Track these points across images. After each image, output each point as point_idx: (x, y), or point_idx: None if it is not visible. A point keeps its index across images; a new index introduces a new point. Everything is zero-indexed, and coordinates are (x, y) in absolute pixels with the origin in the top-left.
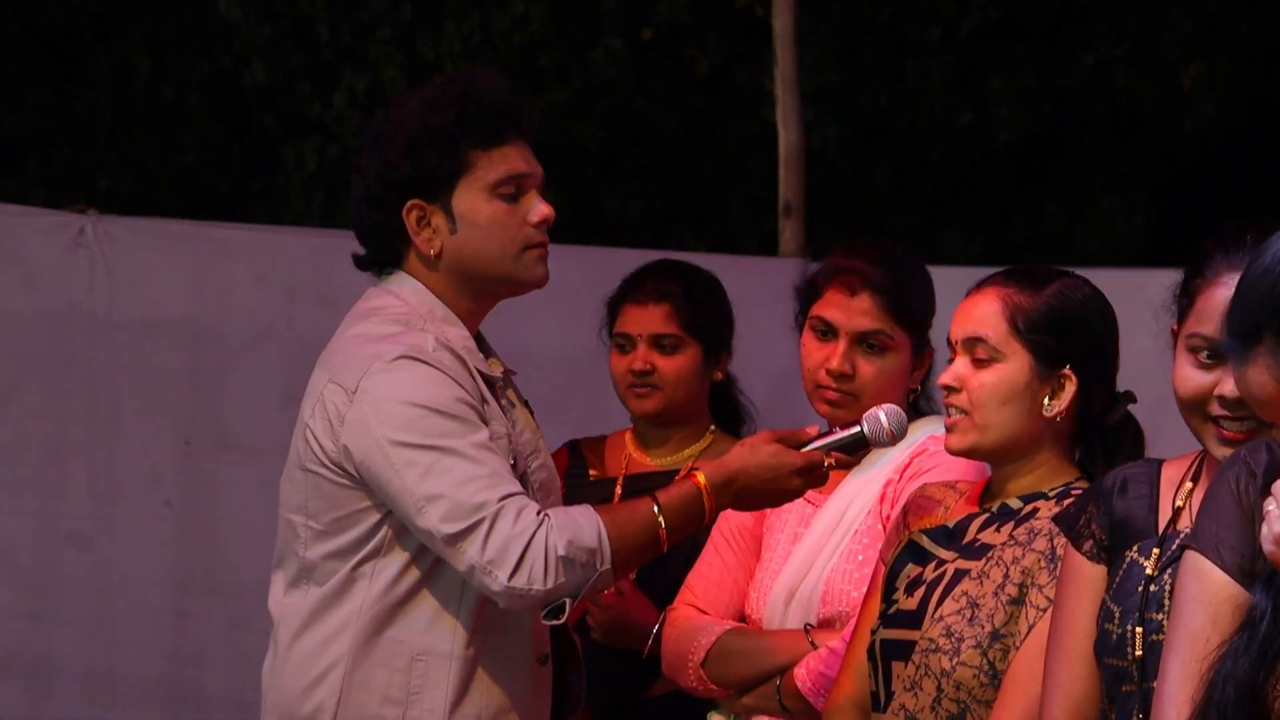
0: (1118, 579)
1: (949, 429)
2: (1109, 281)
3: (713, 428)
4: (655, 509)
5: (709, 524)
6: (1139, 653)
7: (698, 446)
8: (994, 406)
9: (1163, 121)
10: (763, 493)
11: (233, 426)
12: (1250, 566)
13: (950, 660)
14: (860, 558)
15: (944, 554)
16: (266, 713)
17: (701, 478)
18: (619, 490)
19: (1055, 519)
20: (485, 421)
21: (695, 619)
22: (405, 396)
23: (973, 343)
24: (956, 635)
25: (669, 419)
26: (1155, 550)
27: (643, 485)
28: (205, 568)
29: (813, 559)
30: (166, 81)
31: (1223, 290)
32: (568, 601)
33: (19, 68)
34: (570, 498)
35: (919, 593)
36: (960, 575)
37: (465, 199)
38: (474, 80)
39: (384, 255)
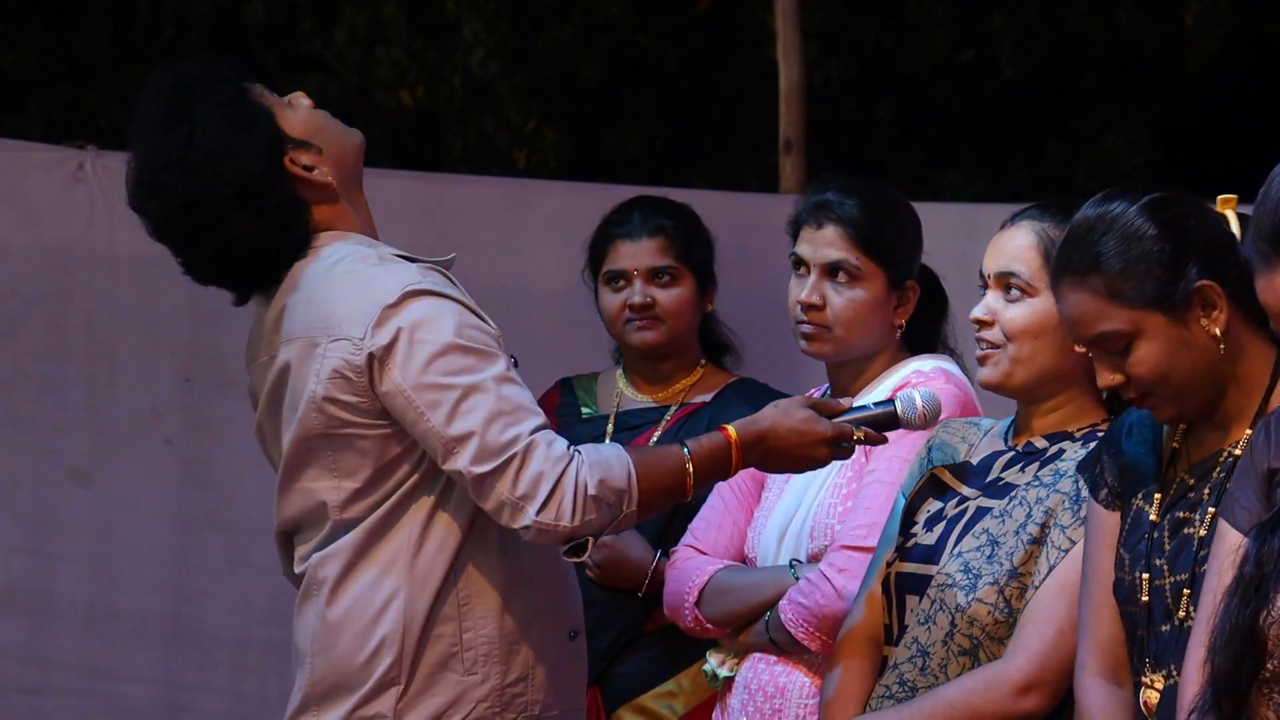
0: (1127, 526)
1: (981, 362)
2: None
3: (703, 361)
4: (686, 457)
5: (730, 476)
6: (1145, 598)
7: (688, 380)
8: (1026, 341)
9: (1164, 58)
10: (788, 455)
11: (233, 363)
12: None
13: (966, 596)
14: (844, 492)
15: (966, 491)
16: (312, 665)
17: (733, 432)
18: (610, 428)
19: (1078, 467)
20: (494, 334)
21: (692, 558)
22: (418, 336)
23: (1005, 276)
24: (974, 572)
25: (667, 351)
26: (1157, 496)
27: (635, 421)
28: (205, 505)
29: (802, 496)
30: (166, 19)
31: None
32: (591, 540)
33: (19, 6)
34: (563, 435)
35: (938, 528)
36: (982, 513)
37: (289, 120)
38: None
39: (292, 233)
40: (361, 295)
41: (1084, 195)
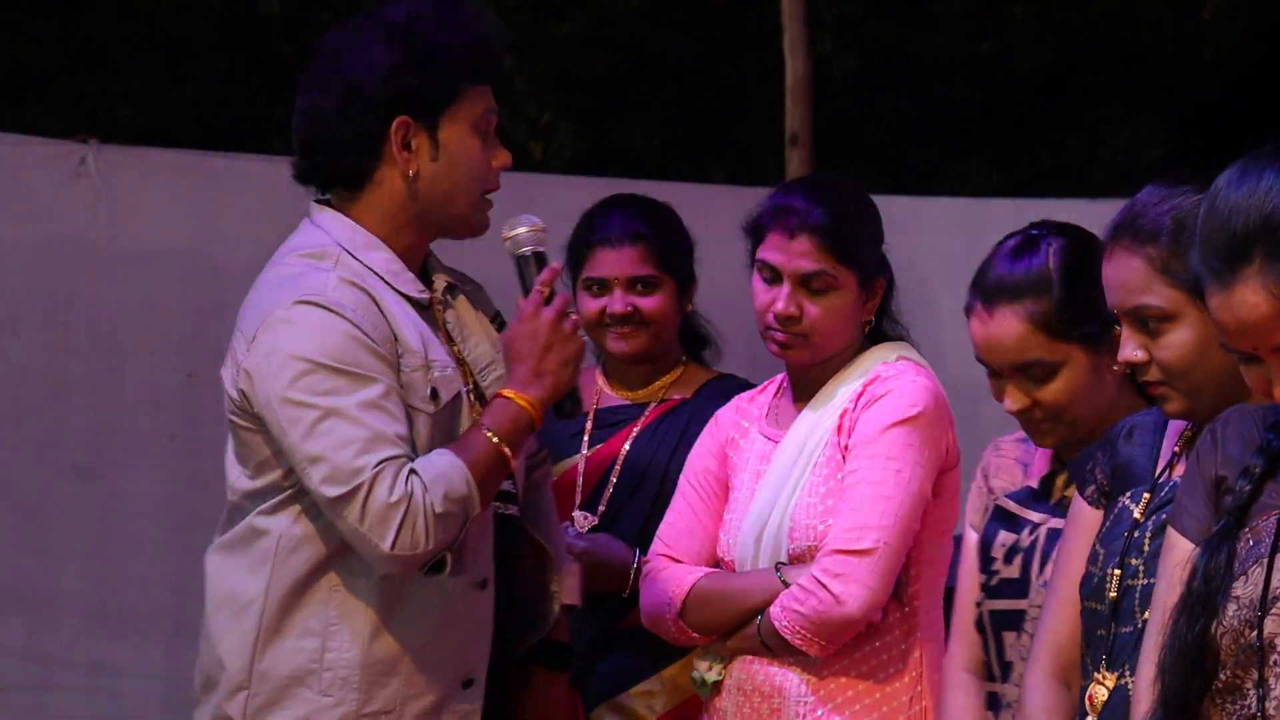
0: (1108, 523)
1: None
2: None
3: (683, 357)
4: (490, 434)
5: (539, 426)
6: (1113, 594)
7: (668, 378)
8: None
9: (1182, 51)
10: (545, 349)
11: None
12: (1209, 531)
13: None
14: (823, 490)
15: (1034, 516)
16: (201, 654)
17: (505, 390)
18: (589, 424)
19: (1069, 464)
20: (391, 363)
21: (668, 568)
22: (295, 349)
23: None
24: None
25: (647, 356)
26: (1146, 495)
27: (613, 419)
28: (208, 500)
29: (776, 496)
30: (183, 12)
31: None
32: (448, 555)
33: None
34: (541, 434)
35: (1018, 560)
36: (1054, 535)
37: (452, 129)
38: (475, 9)
39: (344, 169)
40: (270, 293)
41: (1100, 188)
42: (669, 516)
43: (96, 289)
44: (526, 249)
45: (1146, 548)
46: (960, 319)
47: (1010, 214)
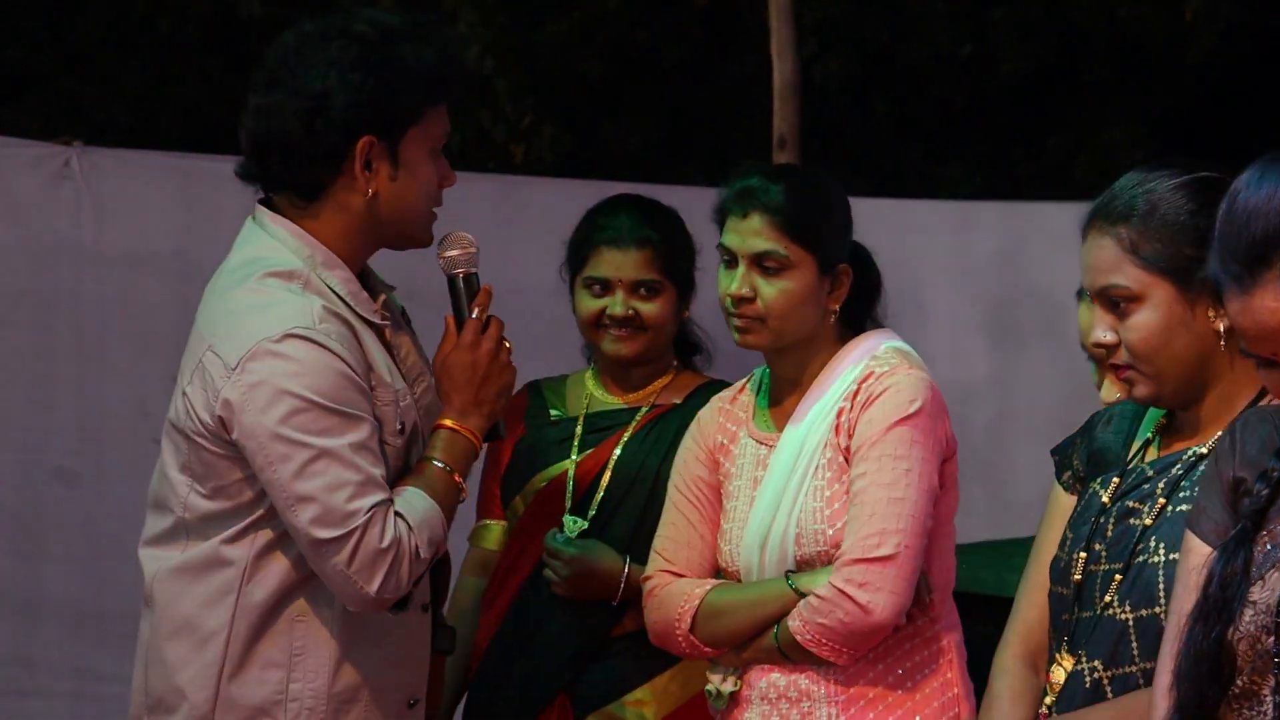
0: (1079, 508)
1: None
2: None
3: (675, 362)
4: (444, 469)
5: (477, 454)
6: (1077, 578)
7: (660, 382)
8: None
9: (1165, 53)
10: (477, 382)
11: None
12: (1226, 535)
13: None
14: (828, 493)
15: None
16: (145, 674)
17: (444, 419)
18: (579, 429)
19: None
20: (372, 388)
21: (672, 584)
22: (288, 385)
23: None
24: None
25: (643, 359)
26: (1115, 480)
27: (604, 423)
28: None
29: (777, 502)
30: (163, 14)
31: None
32: (414, 591)
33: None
34: (532, 438)
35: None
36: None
37: (412, 150)
38: (444, 29)
39: (298, 179)
40: (250, 319)
41: (1084, 190)
42: (665, 530)
43: (81, 291)
44: (459, 270)
45: (1110, 533)
46: (948, 319)
47: (995, 216)
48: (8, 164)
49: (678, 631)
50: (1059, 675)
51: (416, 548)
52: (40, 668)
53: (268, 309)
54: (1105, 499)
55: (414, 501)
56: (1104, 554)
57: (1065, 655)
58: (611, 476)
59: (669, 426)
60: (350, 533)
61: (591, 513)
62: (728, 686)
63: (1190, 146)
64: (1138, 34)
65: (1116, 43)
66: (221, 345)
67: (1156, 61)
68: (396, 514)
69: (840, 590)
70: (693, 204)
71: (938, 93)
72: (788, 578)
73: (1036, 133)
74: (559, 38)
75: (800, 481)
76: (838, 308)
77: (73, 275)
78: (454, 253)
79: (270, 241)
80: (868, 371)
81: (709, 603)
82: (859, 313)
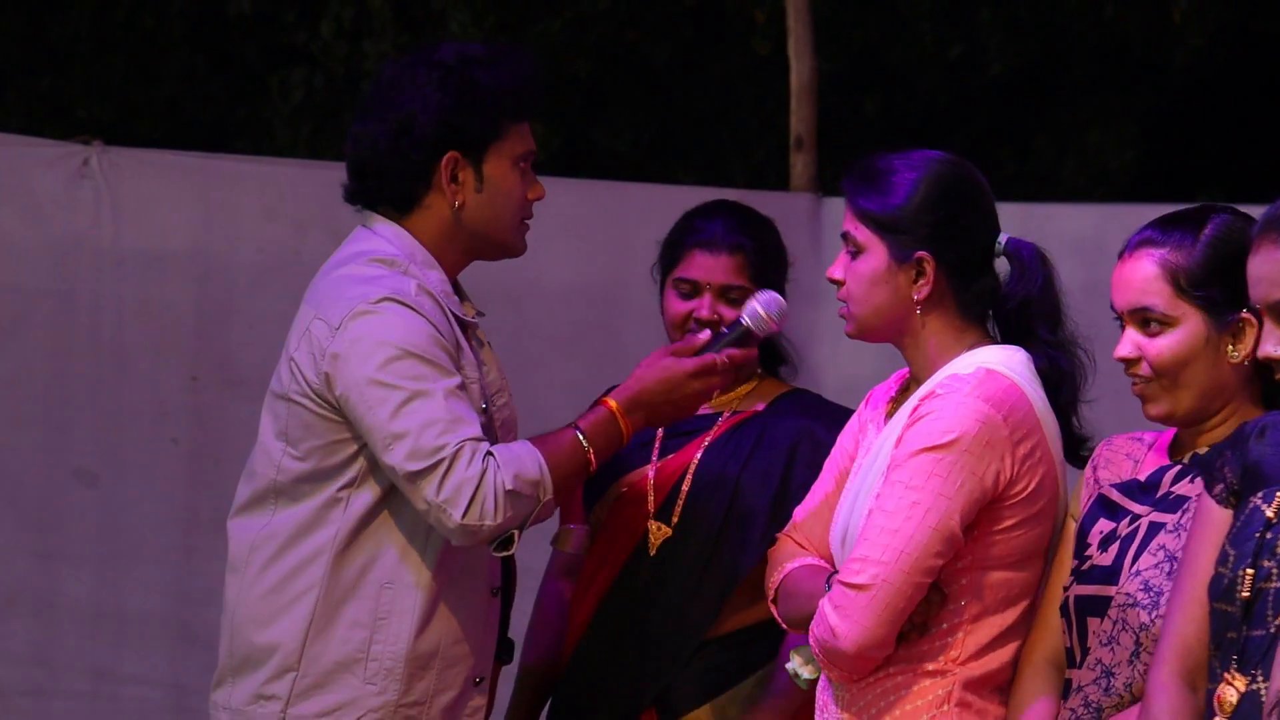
0: (1239, 524)
1: (1141, 398)
2: (1098, 216)
3: (759, 370)
4: (579, 436)
5: (622, 447)
6: (1245, 596)
7: (744, 389)
8: (1178, 371)
9: (1152, 55)
10: (669, 403)
11: (240, 362)
12: None
13: (1149, 614)
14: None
15: (1137, 508)
16: (232, 637)
17: (612, 402)
18: (660, 433)
19: (1199, 462)
20: (458, 366)
21: (779, 552)
22: (385, 337)
23: (1140, 312)
24: (1155, 589)
25: None
26: (1278, 495)
27: (685, 428)
28: (212, 504)
29: (852, 502)
30: (147, 10)
31: None
32: (516, 533)
33: None
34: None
35: (1113, 548)
36: (1155, 528)
37: (495, 164)
38: (524, 53)
39: (393, 194)
40: (352, 288)
41: (1070, 191)
42: (808, 497)
43: (100, 291)
44: (748, 322)
45: (1279, 549)
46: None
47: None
48: (27, 163)
49: (770, 598)
50: (1230, 695)
51: (502, 481)
52: (58, 668)
53: (369, 281)
54: (1270, 515)
55: (511, 445)
56: (1274, 571)
57: (1236, 675)
58: (693, 482)
59: (750, 433)
60: (438, 464)
61: (675, 518)
62: (806, 673)
63: (1177, 148)
64: (1125, 35)
65: (1103, 44)
66: (326, 311)
67: (1143, 63)
68: (488, 452)
69: (824, 608)
70: (680, 203)
71: (925, 93)
72: (828, 580)
73: (1023, 133)
74: (549, 36)
75: (866, 486)
76: (920, 299)
77: (92, 274)
78: (760, 311)
79: (375, 238)
80: (933, 388)
81: (786, 581)
82: (1006, 320)
